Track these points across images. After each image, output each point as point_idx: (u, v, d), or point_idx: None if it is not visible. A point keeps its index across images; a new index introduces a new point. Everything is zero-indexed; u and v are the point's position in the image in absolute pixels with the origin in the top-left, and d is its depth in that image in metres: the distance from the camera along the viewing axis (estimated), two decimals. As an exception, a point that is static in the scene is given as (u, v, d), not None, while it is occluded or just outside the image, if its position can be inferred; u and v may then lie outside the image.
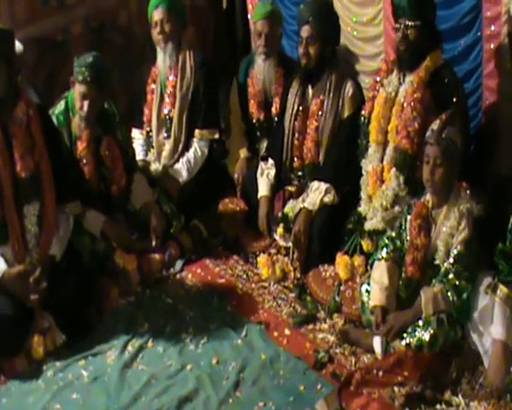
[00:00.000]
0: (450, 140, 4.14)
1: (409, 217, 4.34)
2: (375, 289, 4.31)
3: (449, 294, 4.07)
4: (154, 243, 5.22)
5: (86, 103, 4.88)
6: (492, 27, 5.06)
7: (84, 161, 5.00)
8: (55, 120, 4.93)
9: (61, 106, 5.04)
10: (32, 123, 4.41)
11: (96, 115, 5.00)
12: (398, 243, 4.39)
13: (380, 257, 4.41)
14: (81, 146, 4.99)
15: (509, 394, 3.77)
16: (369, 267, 4.61)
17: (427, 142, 4.21)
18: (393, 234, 4.44)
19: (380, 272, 4.35)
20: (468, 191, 4.19)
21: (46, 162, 4.45)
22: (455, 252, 4.12)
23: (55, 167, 4.50)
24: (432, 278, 4.21)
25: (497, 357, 3.87)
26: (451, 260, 4.13)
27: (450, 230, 4.15)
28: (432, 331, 4.03)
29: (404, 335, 4.12)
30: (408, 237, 4.32)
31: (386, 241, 4.45)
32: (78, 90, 4.90)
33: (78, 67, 4.89)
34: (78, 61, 4.91)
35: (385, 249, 4.41)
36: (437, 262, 4.22)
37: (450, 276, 4.10)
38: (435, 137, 4.14)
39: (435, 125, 4.20)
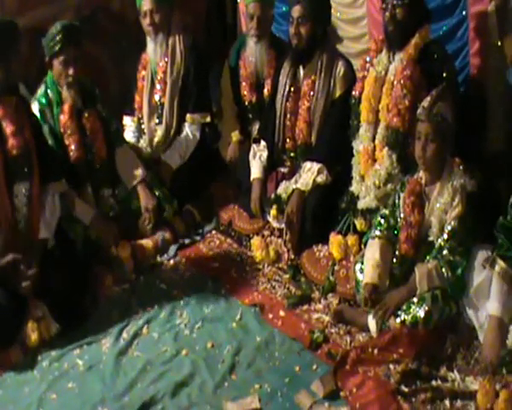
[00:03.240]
0: (442, 116, 4.12)
1: (402, 194, 4.33)
2: (368, 267, 4.30)
3: (443, 270, 4.06)
4: (146, 223, 5.24)
5: (71, 68, 4.92)
6: (478, 6, 5.03)
7: (69, 131, 5.02)
8: (37, 103, 5.00)
9: (41, 89, 5.07)
10: (18, 106, 4.50)
11: (77, 88, 5.03)
12: (392, 220, 4.38)
13: (373, 235, 4.40)
14: (64, 118, 5.01)
15: (505, 368, 3.75)
16: (362, 246, 4.60)
17: (418, 119, 4.20)
18: (387, 212, 4.42)
19: (373, 249, 4.34)
20: (461, 167, 4.17)
21: (33, 142, 4.53)
22: (449, 228, 4.11)
23: (37, 148, 4.56)
24: (426, 254, 4.21)
25: (493, 332, 3.86)
26: (445, 236, 4.12)
27: (444, 206, 4.14)
28: (426, 308, 4.02)
29: (399, 312, 4.11)
30: (401, 215, 4.31)
31: (380, 219, 4.44)
32: (57, 62, 4.94)
33: (49, 41, 4.92)
34: (45, 38, 4.94)
35: (378, 227, 4.41)
36: (431, 239, 4.21)
37: (445, 252, 4.09)
38: (426, 113, 4.13)
39: (426, 101, 4.18)
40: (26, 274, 4.35)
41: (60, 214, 4.76)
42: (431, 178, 4.24)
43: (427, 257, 4.18)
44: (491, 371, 3.75)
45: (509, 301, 3.86)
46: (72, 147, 5.04)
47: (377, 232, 4.39)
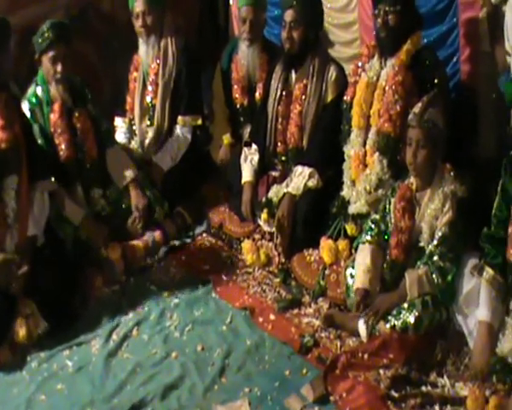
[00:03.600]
0: (432, 122, 4.13)
1: (393, 200, 4.34)
2: (359, 272, 4.30)
3: (434, 276, 4.07)
4: (136, 223, 5.24)
5: (59, 65, 4.93)
6: (469, 13, 5.05)
7: (59, 130, 5.03)
8: (27, 102, 5.01)
9: (31, 89, 5.08)
10: (8, 102, 4.53)
11: (67, 87, 5.03)
12: (383, 226, 4.39)
13: (364, 240, 4.41)
14: (54, 117, 5.02)
15: (494, 374, 3.76)
16: (353, 251, 4.60)
17: (409, 125, 4.21)
18: (377, 217, 4.43)
19: (363, 255, 4.35)
20: (451, 173, 4.19)
21: (22, 138, 4.56)
22: (439, 234, 4.12)
23: (27, 146, 4.58)
24: (416, 260, 4.21)
25: (482, 338, 3.86)
26: (436, 242, 4.13)
27: (435, 212, 4.15)
28: (417, 314, 4.03)
29: (389, 317, 4.11)
30: (392, 220, 4.32)
31: (371, 224, 4.44)
32: (46, 59, 4.95)
33: (38, 38, 4.94)
34: (36, 36, 4.96)
35: (369, 233, 4.42)
36: (421, 245, 4.22)
37: (435, 258, 4.09)
38: (417, 119, 4.14)
39: (417, 107, 4.20)
40: (17, 273, 4.35)
41: (48, 213, 4.77)
42: (422, 183, 4.25)
43: (418, 263, 4.19)
44: (481, 377, 3.76)
45: (497, 307, 3.87)
46: (63, 146, 5.05)
47: (368, 237, 4.39)
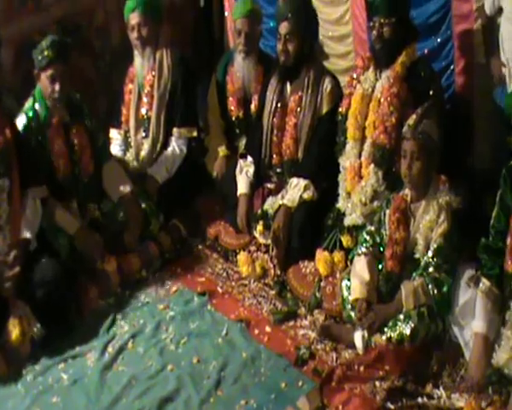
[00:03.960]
0: (427, 134, 4.14)
1: (387, 211, 4.34)
2: (356, 283, 4.29)
3: (429, 287, 4.07)
4: (131, 237, 5.23)
5: (57, 84, 4.90)
6: (463, 25, 5.07)
7: (56, 146, 5.01)
8: (24, 116, 4.98)
9: (29, 102, 5.04)
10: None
11: (65, 103, 5.03)
12: (378, 237, 4.39)
13: (359, 252, 4.40)
14: (51, 133, 5.00)
15: (490, 386, 3.76)
16: (349, 263, 4.60)
17: (403, 137, 4.21)
18: (373, 229, 4.43)
19: (360, 266, 4.34)
20: (446, 184, 4.20)
21: (13, 144, 4.62)
22: (434, 245, 4.12)
23: (19, 154, 4.63)
24: (412, 272, 4.20)
25: (478, 350, 3.86)
26: (431, 254, 4.12)
27: (430, 223, 4.15)
28: (413, 325, 4.02)
29: (385, 329, 4.10)
30: (387, 232, 4.31)
31: (366, 236, 4.44)
32: (45, 76, 4.92)
33: (38, 54, 4.91)
34: (36, 50, 4.92)
35: (364, 244, 4.41)
36: (417, 256, 4.21)
37: (431, 269, 4.09)
38: (411, 131, 4.15)
39: (411, 119, 4.20)
40: (9, 275, 4.36)
41: (43, 223, 4.80)
42: (416, 195, 4.25)
43: (413, 274, 4.18)
44: (477, 389, 3.76)
45: (493, 319, 3.86)
46: (60, 162, 5.03)
47: (363, 249, 4.39)
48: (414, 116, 4.21)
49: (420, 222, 4.20)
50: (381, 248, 4.36)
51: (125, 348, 4.49)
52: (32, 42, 5.17)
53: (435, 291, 4.05)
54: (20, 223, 4.58)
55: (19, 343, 4.38)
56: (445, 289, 4.05)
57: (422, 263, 4.16)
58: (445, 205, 4.13)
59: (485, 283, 3.90)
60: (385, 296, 4.28)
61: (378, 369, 3.99)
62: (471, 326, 3.93)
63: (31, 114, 4.99)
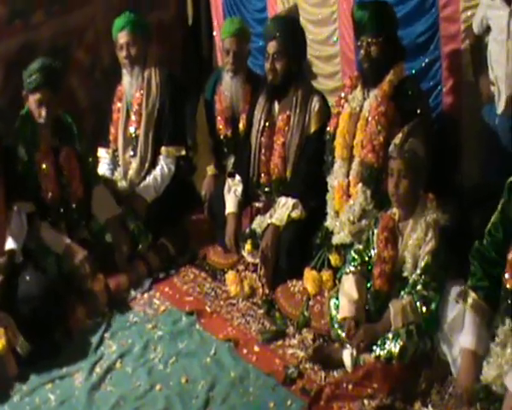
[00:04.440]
0: (413, 152, 4.15)
1: (376, 230, 4.34)
2: (345, 302, 4.29)
3: (417, 304, 4.06)
4: (121, 257, 5.24)
5: (44, 109, 4.89)
6: (451, 45, 5.11)
7: (44, 171, 5.00)
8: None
9: (16, 124, 5.03)
10: None
11: (54, 125, 5.02)
12: (366, 256, 4.39)
13: (347, 271, 4.40)
14: (40, 156, 4.99)
15: (478, 403, 3.74)
16: (337, 281, 4.60)
17: (390, 156, 4.23)
18: (361, 247, 4.43)
19: (348, 285, 4.34)
20: (434, 202, 4.20)
21: None
22: (422, 263, 4.12)
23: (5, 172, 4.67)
24: (400, 290, 4.20)
25: (466, 364, 3.84)
26: (419, 271, 4.12)
27: (418, 241, 4.15)
28: (401, 343, 4.01)
29: (374, 347, 4.10)
30: (375, 251, 4.32)
31: (354, 254, 4.44)
32: (32, 100, 4.92)
33: (27, 76, 4.90)
34: (26, 72, 4.92)
35: (352, 263, 4.41)
36: (405, 274, 4.21)
37: (419, 287, 4.09)
38: (397, 150, 4.16)
39: (397, 138, 4.21)
40: None
41: (31, 242, 4.82)
42: (404, 213, 4.25)
43: (402, 293, 4.18)
44: (466, 402, 3.75)
45: (482, 333, 3.84)
46: (48, 185, 5.02)
47: (351, 268, 4.39)
48: (400, 135, 4.22)
49: (408, 240, 4.20)
50: (370, 267, 4.35)
51: (113, 368, 4.46)
52: (22, 61, 5.17)
53: (423, 309, 4.05)
54: (5, 233, 4.58)
55: (4, 353, 4.36)
56: (433, 306, 4.05)
57: (410, 281, 4.15)
58: (432, 223, 4.13)
59: (472, 296, 3.87)
60: (373, 315, 4.28)
61: (366, 387, 3.97)
62: (459, 343, 3.92)
63: (19, 135, 4.98)
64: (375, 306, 4.28)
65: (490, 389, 3.72)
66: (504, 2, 4.53)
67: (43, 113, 4.89)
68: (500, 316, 3.79)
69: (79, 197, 5.18)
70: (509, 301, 3.72)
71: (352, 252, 4.47)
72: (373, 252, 4.34)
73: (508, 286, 3.74)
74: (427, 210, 4.18)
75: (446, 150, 5.00)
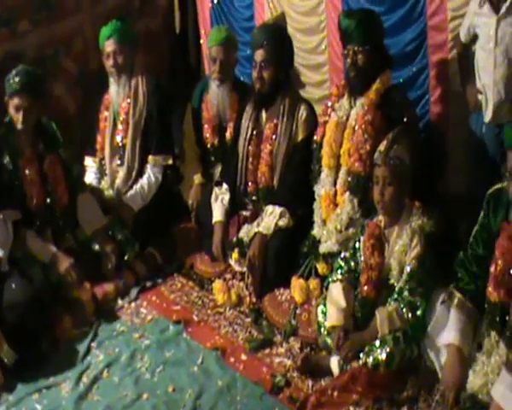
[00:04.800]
0: (398, 159, 4.16)
1: (362, 238, 4.35)
2: (332, 310, 4.29)
3: (404, 311, 4.06)
4: (108, 267, 5.24)
5: (21, 115, 4.89)
6: (439, 54, 5.13)
7: (28, 178, 4.99)
8: None
9: (1, 130, 5.02)
10: None
11: (38, 132, 5.02)
12: (353, 263, 4.40)
13: (335, 279, 4.41)
14: (24, 163, 4.98)
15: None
16: (324, 290, 4.59)
17: (375, 163, 4.24)
18: (347, 255, 4.44)
19: (336, 293, 4.34)
20: (419, 209, 4.21)
21: None
22: (408, 269, 4.12)
23: None
24: (387, 297, 4.20)
25: (452, 359, 3.84)
26: (405, 278, 4.12)
27: (403, 247, 4.16)
28: (388, 350, 4.00)
29: (361, 354, 4.09)
30: (362, 258, 4.32)
31: (341, 262, 4.45)
32: (11, 105, 4.92)
33: (7, 82, 4.92)
34: (7, 77, 4.93)
35: (339, 271, 4.42)
36: (391, 281, 4.21)
37: (405, 293, 4.09)
38: (382, 157, 4.17)
39: (382, 145, 4.23)
40: None
41: (17, 252, 4.80)
42: (390, 221, 4.26)
43: (388, 300, 4.18)
44: (451, 398, 3.75)
45: (467, 331, 3.85)
46: (32, 191, 5.01)
47: (338, 276, 4.40)
48: (385, 142, 4.24)
49: (394, 247, 4.21)
50: (357, 275, 4.36)
51: (99, 377, 4.45)
52: (8, 69, 5.16)
53: (410, 315, 4.05)
54: None
55: None
56: (419, 312, 4.05)
57: (397, 288, 4.16)
58: (417, 229, 4.14)
59: (458, 297, 3.90)
60: (361, 322, 4.28)
61: (351, 392, 3.96)
62: (443, 339, 3.92)
63: (2, 143, 4.97)
64: (363, 313, 4.28)
65: (476, 397, 3.72)
66: (492, 10, 4.55)
67: (20, 118, 4.89)
68: (485, 329, 3.81)
69: (64, 204, 5.17)
70: (494, 315, 3.74)
71: (339, 260, 4.48)
72: (360, 259, 4.35)
73: (491, 299, 3.76)
74: (413, 217, 4.19)
75: (433, 158, 5.03)
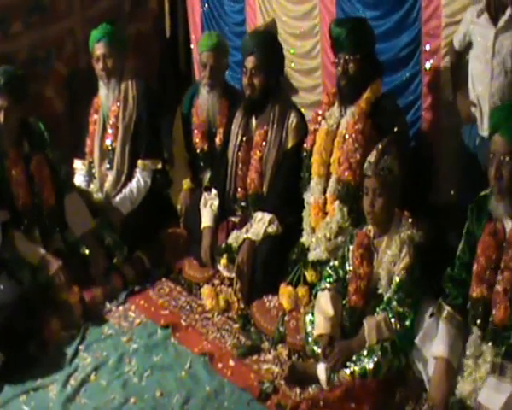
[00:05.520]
0: (388, 169, 4.17)
1: (351, 247, 4.36)
2: (320, 318, 4.30)
3: (392, 321, 4.08)
4: (96, 270, 5.24)
5: (2, 115, 4.88)
6: (432, 61, 5.14)
7: (15, 178, 4.99)
8: None
9: None
10: None
11: (24, 133, 5.01)
12: (341, 272, 4.41)
13: (323, 287, 4.42)
14: (9, 164, 4.97)
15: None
16: (312, 298, 4.60)
17: (365, 174, 4.25)
18: (336, 264, 4.46)
19: (324, 301, 4.35)
20: (409, 220, 4.23)
21: None
22: (397, 279, 4.14)
23: None
24: (376, 307, 4.22)
25: (439, 372, 3.86)
26: (394, 288, 4.14)
27: (392, 258, 4.17)
28: (376, 359, 4.03)
29: (348, 363, 4.10)
30: (351, 267, 4.34)
31: (329, 271, 4.46)
32: None
33: None
34: None
35: (328, 279, 4.43)
36: (380, 291, 4.23)
37: (393, 303, 4.11)
38: (372, 168, 4.19)
39: (372, 156, 4.24)
40: None
41: (6, 255, 4.81)
42: (379, 230, 4.28)
43: (377, 309, 4.20)
44: None
45: (456, 345, 3.86)
46: (19, 192, 5.01)
47: (327, 284, 4.41)
48: (374, 152, 4.25)
49: (383, 257, 4.22)
50: (345, 284, 4.37)
51: (87, 380, 4.44)
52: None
53: (398, 325, 4.07)
54: None
55: None
56: (407, 322, 4.07)
57: (385, 298, 4.18)
58: (407, 239, 4.16)
59: (447, 309, 3.91)
60: (348, 331, 4.29)
61: (344, 408, 3.95)
62: (432, 352, 3.94)
63: None
64: (351, 322, 4.29)
65: (464, 403, 3.75)
66: (490, 21, 4.56)
67: (1, 118, 4.88)
68: (468, 326, 3.85)
69: (51, 205, 5.16)
70: (476, 311, 3.78)
71: (328, 269, 4.50)
72: (348, 268, 4.36)
73: (474, 295, 3.79)
74: (402, 227, 4.21)
75: (421, 168, 5.05)
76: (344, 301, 4.36)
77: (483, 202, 3.85)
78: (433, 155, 5.27)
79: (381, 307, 4.19)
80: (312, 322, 4.38)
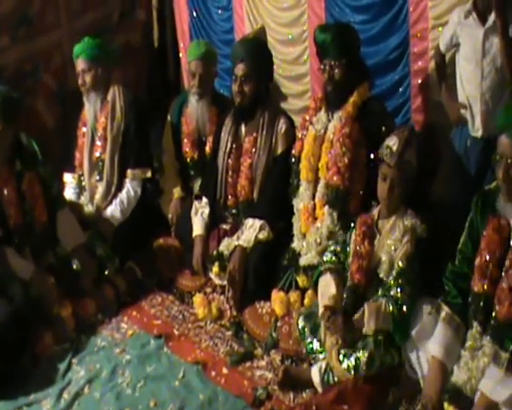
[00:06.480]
0: (409, 163, 4.17)
1: (353, 234, 4.35)
2: (324, 293, 4.32)
3: (390, 306, 4.05)
4: (87, 282, 5.21)
5: None
6: (420, 63, 5.16)
7: (5, 195, 4.94)
8: None
9: None
10: None
11: (15, 151, 4.97)
12: (343, 256, 4.41)
13: (326, 267, 4.42)
14: (1, 183, 4.93)
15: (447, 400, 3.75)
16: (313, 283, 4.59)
17: (383, 159, 4.20)
18: (338, 248, 4.46)
19: (326, 282, 4.37)
20: (413, 211, 4.22)
21: None
22: (397, 266, 4.13)
23: None
24: (376, 289, 4.20)
25: (433, 372, 3.84)
26: (394, 274, 4.13)
27: (394, 243, 4.16)
28: (368, 352, 4.02)
29: (341, 357, 4.09)
30: (351, 247, 4.34)
31: (331, 255, 4.46)
32: None
33: None
34: None
35: (329, 261, 4.44)
36: (381, 275, 4.20)
37: (393, 290, 4.08)
38: (395, 159, 4.15)
39: (394, 145, 4.18)
40: None
41: None
42: (386, 212, 4.27)
43: (378, 293, 4.17)
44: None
45: (452, 347, 3.84)
46: (10, 210, 4.96)
47: (329, 265, 4.42)
48: (395, 141, 4.18)
49: (385, 240, 4.21)
50: (346, 268, 4.36)
51: (81, 393, 4.42)
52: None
53: (395, 311, 4.04)
54: None
55: None
56: (405, 309, 4.04)
57: (386, 286, 4.15)
58: (410, 227, 4.14)
59: (446, 309, 3.89)
60: (349, 309, 4.26)
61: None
62: (427, 349, 3.93)
63: None
64: (352, 301, 4.27)
65: (460, 392, 3.74)
66: (478, 21, 4.56)
67: None
68: (469, 321, 3.82)
69: (43, 222, 5.12)
70: (477, 306, 3.76)
71: (328, 253, 4.49)
72: (349, 253, 4.36)
73: (475, 289, 3.77)
74: (407, 215, 4.20)
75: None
76: (344, 284, 4.36)
77: (488, 196, 3.84)
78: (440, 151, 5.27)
79: (380, 292, 4.16)
80: (306, 317, 4.42)
